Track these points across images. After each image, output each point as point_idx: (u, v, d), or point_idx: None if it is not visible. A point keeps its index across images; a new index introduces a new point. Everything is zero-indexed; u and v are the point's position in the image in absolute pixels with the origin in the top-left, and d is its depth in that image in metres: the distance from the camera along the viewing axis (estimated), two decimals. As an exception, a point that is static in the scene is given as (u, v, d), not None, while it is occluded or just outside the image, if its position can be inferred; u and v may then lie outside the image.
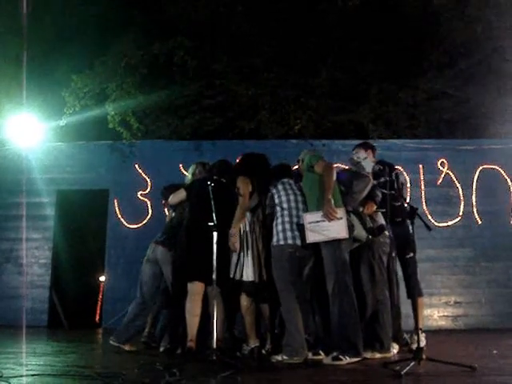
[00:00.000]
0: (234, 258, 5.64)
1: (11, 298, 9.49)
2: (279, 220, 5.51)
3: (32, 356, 5.69)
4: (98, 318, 10.05)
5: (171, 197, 6.24)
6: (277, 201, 5.62)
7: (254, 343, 5.61)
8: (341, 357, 4.98)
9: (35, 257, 9.76)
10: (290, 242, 5.38)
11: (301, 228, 5.35)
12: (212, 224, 5.22)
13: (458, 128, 10.97)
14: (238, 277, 5.58)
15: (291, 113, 10.80)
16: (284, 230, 5.43)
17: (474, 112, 10.91)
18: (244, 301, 5.64)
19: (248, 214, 5.76)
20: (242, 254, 5.62)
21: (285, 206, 5.54)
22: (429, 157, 9.65)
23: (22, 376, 4.18)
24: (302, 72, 10.85)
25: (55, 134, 10.37)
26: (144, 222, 9.56)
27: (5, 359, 5.29)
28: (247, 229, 5.71)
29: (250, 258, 5.59)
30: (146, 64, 10.83)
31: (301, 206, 5.55)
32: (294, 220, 5.45)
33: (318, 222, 5.21)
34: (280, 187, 5.67)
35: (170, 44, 10.67)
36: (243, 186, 5.71)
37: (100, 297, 10.24)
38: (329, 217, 5.16)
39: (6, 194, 9.86)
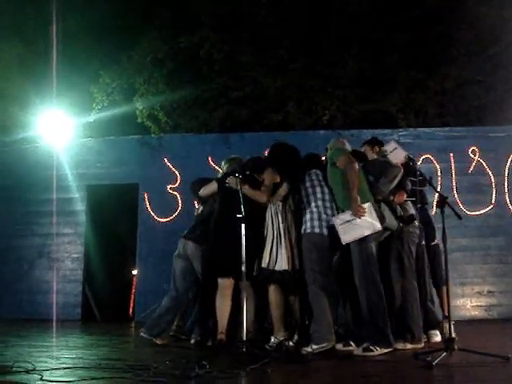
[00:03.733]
0: (267, 247, 5.64)
1: (44, 292, 9.63)
2: (308, 215, 5.50)
3: (65, 349, 5.79)
4: (131, 311, 10.13)
5: (202, 189, 6.24)
6: (304, 193, 5.60)
7: (282, 336, 5.61)
8: (372, 348, 4.96)
9: (67, 251, 9.88)
10: (316, 231, 5.37)
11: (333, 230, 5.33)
12: (240, 216, 5.23)
13: (487, 115, 10.79)
14: (271, 266, 5.57)
15: (319, 103, 10.74)
16: (312, 219, 5.43)
17: (503, 98, 10.72)
18: (272, 293, 5.63)
19: (279, 204, 5.75)
20: (274, 243, 5.61)
21: (311, 198, 5.53)
22: (459, 145, 9.50)
23: (54, 369, 4.24)
24: (328, 62, 10.77)
25: (84, 129, 10.50)
26: (174, 216, 9.60)
27: (38, 352, 5.37)
28: (279, 219, 5.70)
29: (283, 247, 5.58)
30: (173, 58, 10.87)
31: (327, 197, 5.54)
32: (321, 210, 5.45)
33: (348, 221, 5.19)
34: (307, 178, 5.65)
35: (196, 38, 10.68)
36: (268, 178, 5.72)
37: (133, 290, 10.31)
38: (358, 215, 5.14)
39: (37, 190, 9.97)
